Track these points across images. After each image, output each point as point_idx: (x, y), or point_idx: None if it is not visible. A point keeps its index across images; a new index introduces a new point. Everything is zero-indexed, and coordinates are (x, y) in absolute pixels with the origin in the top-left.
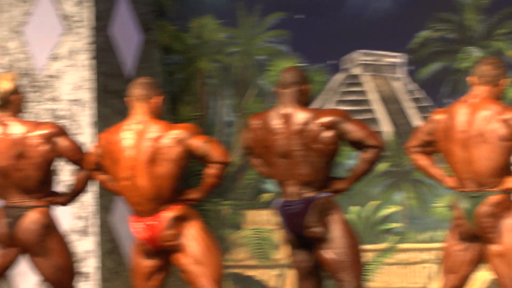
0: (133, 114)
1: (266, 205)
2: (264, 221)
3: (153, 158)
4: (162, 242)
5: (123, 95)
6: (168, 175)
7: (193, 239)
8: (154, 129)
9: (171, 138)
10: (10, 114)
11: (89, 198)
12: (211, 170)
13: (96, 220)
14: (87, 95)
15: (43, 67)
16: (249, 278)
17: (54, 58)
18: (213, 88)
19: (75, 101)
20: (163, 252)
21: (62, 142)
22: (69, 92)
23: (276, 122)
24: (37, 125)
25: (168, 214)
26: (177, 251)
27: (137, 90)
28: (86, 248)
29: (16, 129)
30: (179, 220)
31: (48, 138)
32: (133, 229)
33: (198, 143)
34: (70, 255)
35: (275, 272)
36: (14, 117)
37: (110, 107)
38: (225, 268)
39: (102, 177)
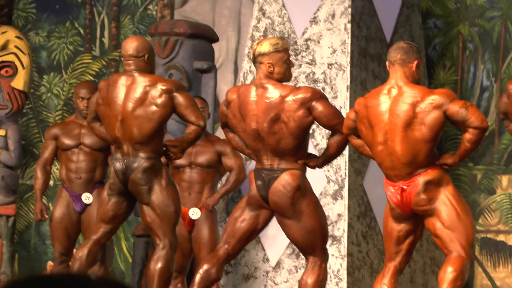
0: (391, 78)
1: None
2: None
3: (410, 123)
4: (415, 207)
5: (381, 59)
6: (424, 139)
7: (445, 204)
8: (412, 94)
9: (429, 103)
10: (268, 76)
11: (342, 162)
12: (468, 135)
13: (349, 183)
14: (345, 58)
15: (302, 31)
16: (501, 243)
17: (313, 21)
18: (473, 53)
19: (333, 65)
20: (415, 216)
21: (318, 107)
22: (327, 55)
23: None
24: (295, 89)
25: (422, 178)
26: (430, 215)
27: (396, 54)
28: (338, 212)
29: (273, 92)
30: (433, 185)
31: (304, 103)
32: (387, 193)
33: (456, 108)
34: (322, 218)
35: None
36: (272, 80)
37: (368, 71)
38: (477, 233)
39: (357, 141)
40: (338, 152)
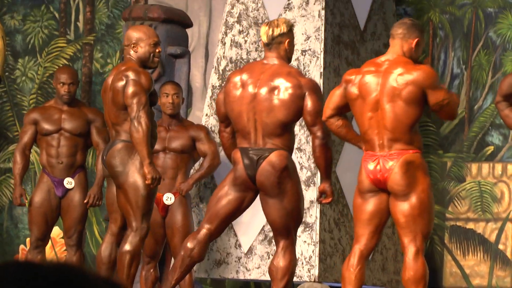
0: (389, 51)
1: (490, 158)
2: (486, 174)
3: (394, 95)
4: (391, 183)
5: (355, 46)
6: (406, 116)
7: (421, 192)
8: (398, 68)
9: (408, 78)
10: (281, 56)
11: None
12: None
13: None
14: (318, 45)
15: (276, 17)
16: (470, 231)
17: (287, 8)
18: (443, 40)
19: (307, 52)
20: (384, 197)
21: (308, 99)
22: (301, 42)
23: None
24: (301, 74)
25: (404, 157)
26: (401, 196)
27: (398, 28)
28: (310, 198)
29: (282, 66)
30: (413, 167)
31: (301, 87)
32: (364, 170)
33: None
34: (302, 202)
35: (495, 225)
36: (283, 60)
37: (341, 58)
38: (446, 220)
39: (338, 123)
40: (326, 159)
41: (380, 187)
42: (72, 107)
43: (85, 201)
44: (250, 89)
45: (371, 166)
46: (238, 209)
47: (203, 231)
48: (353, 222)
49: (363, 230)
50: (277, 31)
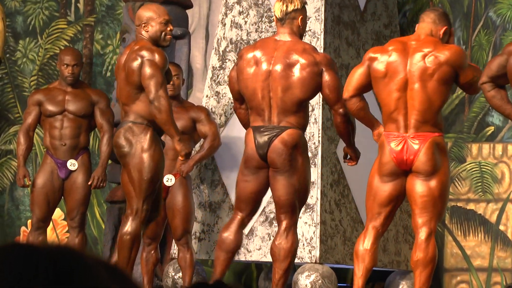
0: (416, 32)
1: (490, 139)
2: (487, 154)
3: (423, 74)
4: (417, 162)
5: (355, 26)
6: (438, 96)
7: (443, 175)
8: (428, 47)
9: (441, 58)
10: (294, 32)
11: (315, 130)
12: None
13: (322, 151)
14: (318, 26)
15: None
16: (471, 212)
17: None
18: None
19: (307, 32)
20: (403, 179)
21: (326, 76)
22: None
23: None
24: (316, 50)
25: (433, 139)
26: (425, 176)
27: (430, 13)
28: (311, 179)
29: (297, 43)
30: (439, 150)
31: (318, 64)
32: (387, 148)
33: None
34: (309, 181)
35: (496, 206)
36: (296, 36)
37: (341, 39)
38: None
39: (359, 104)
40: (349, 132)
41: (403, 168)
42: (76, 88)
43: (89, 182)
44: (264, 66)
45: (397, 147)
46: (258, 189)
47: (235, 218)
48: (368, 202)
49: (380, 210)
50: (291, 7)
